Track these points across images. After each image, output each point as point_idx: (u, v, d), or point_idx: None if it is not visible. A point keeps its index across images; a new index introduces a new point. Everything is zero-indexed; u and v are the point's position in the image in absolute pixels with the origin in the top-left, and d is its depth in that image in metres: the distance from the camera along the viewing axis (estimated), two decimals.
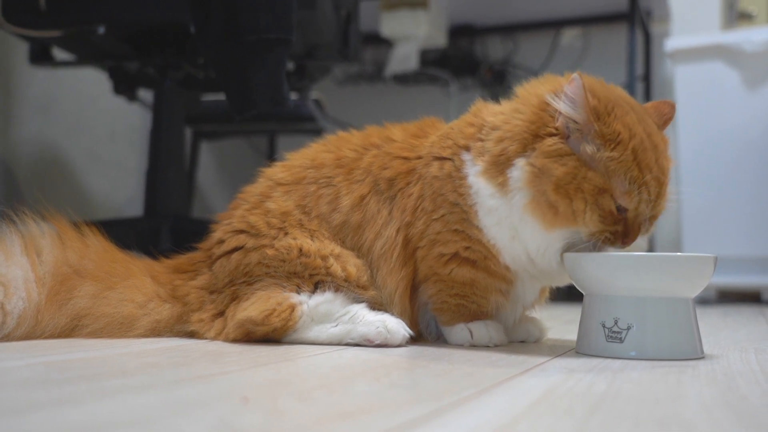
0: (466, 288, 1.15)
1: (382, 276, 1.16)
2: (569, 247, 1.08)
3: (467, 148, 1.14)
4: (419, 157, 1.19)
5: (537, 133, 1.07)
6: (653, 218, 1.09)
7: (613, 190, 1.03)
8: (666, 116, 1.15)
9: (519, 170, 1.06)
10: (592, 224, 1.04)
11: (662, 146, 1.09)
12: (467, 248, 1.13)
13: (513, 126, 1.09)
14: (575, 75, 1.04)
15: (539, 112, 1.08)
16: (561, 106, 1.05)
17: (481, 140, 1.12)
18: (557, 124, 1.06)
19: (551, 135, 1.06)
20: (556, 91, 1.07)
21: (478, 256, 1.13)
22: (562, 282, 1.18)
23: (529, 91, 1.13)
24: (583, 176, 1.03)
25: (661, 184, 1.06)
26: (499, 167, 1.08)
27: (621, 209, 1.04)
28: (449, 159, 1.14)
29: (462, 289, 1.15)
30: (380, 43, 3.11)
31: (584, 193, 1.03)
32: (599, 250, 1.07)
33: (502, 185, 1.07)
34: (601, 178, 1.03)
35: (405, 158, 1.20)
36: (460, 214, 1.12)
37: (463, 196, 1.12)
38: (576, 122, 1.04)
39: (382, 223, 1.17)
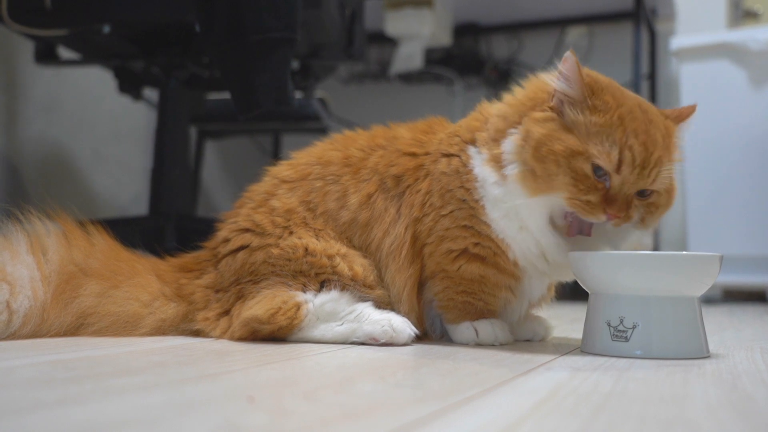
0: (474, 285, 1.15)
1: (390, 274, 1.16)
2: (554, 217, 1.09)
3: (473, 142, 1.15)
4: (427, 153, 1.19)
5: (533, 107, 1.10)
6: (651, 206, 1.07)
7: (589, 152, 1.03)
8: (683, 113, 1.15)
9: (510, 143, 1.08)
10: (566, 188, 1.04)
11: (660, 125, 1.07)
12: (476, 244, 1.13)
13: (513, 100, 1.14)
14: (568, 53, 1.06)
15: (538, 91, 1.12)
16: (556, 83, 1.08)
17: (487, 130, 1.14)
18: (552, 104, 1.08)
19: (543, 110, 1.09)
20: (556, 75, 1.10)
21: (488, 252, 1.13)
22: (570, 276, 1.17)
23: (536, 77, 1.16)
24: (557, 137, 1.04)
25: (649, 153, 1.04)
26: (496, 141, 1.11)
27: (601, 173, 1.04)
28: (456, 155, 1.15)
29: (470, 286, 1.15)
30: (385, 42, 3.11)
31: (556, 154, 1.04)
32: (582, 226, 1.08)
33: (498, 160, 1.09)
34: (576, 140, 1.04)
35: (413, 154, 1.20)
36: (468, 210, 1.13)
37: (470, 192, 1.12)
38: (570, 97, 1.06)
39: (389, 221, 1.17)
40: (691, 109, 1.15)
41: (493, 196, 1.10)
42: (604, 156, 1.03)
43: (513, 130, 1.09)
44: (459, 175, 1.14)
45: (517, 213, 1.10)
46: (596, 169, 1.03)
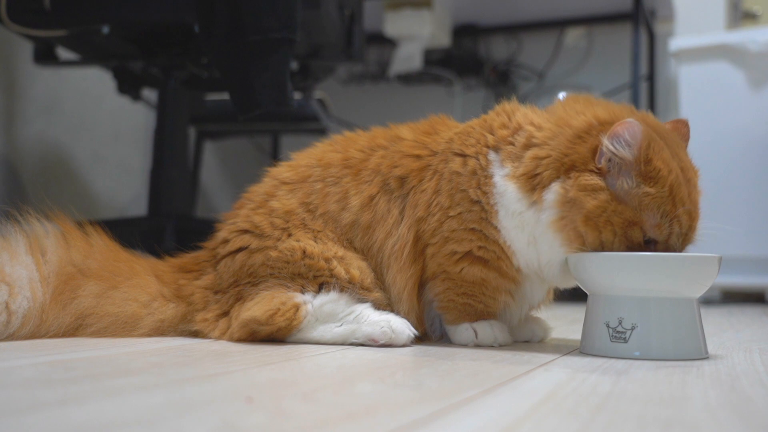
0: (475, 287, 1.14)
1: (392, 275, 1.16)
2: None
3: (495, 149, 1.13)
4: (434, 154, 1.18)
5: (573, 164, 1.06)
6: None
7: (644, 223, 1.03)
8: (685, 137, 1.16)
9: (553, 193, 1.06)
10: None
11: (694, 179, 1.10)
12: (481, 247, 1.13)
13: (550, 151, 1.08)
14: (632, 120, 1.02)
15: (573, 145, 1.07)
16: (612, 146, 1.03)
17: (513, 144, 1.12)
18: (600, 165, 1.05)
19: (590, 171, 1.05)
20: (605, 130, 1.04)
21: (491, 256, 1.13)
22: (570, 284, 1.17)
23: (567, 116, 1.11)
24: (614, 209, 1.03)
25: (692, 218, 1.06)
26: (533, 186, 1.08)
27: (650, 241, 1.05)
28: (473, 156, 1.14)
29: (471, 288, 1.15)
30: (384, 42, 3.11)
31: (614, 226, 1.03)
32: None
33: (537, 203, 1.07)
34: (632, 211, 1.03)
35: (417, 156, 1.19)
36: (479, 212, 1.12)
37: (486, 195, 1.11)
38: (625, 161, 1.03)
39: (392, 223, 1.17)
40: (688, 130, 1.17)
41: (512, 209, 1.09)
42: (656, 229, 1.04)
43: (554, 184, 1.06)
44: (476, 176, 1.12)
45: (536, 240, 1.09)
46: (648, 238, 1.05)
